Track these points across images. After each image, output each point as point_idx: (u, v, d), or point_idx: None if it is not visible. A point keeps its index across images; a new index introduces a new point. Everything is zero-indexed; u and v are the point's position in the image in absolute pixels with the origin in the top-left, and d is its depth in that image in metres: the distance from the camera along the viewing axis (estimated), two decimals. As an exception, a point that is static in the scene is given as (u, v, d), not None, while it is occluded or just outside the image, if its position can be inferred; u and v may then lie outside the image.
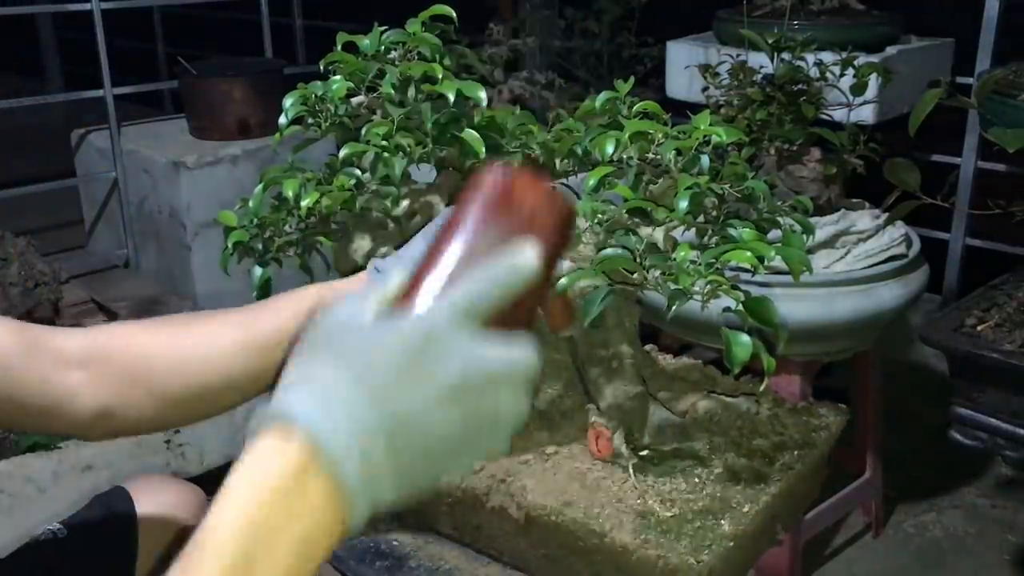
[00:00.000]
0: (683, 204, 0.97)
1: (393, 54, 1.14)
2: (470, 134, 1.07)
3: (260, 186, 1.13)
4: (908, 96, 2.11)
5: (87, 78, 3.11)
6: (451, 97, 1.07)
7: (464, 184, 0.69)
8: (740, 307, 0.92)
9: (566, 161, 1.12)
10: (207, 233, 2.61)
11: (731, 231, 0.98)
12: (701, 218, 1.03)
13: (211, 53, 4.04)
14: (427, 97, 1.10)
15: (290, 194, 1.09)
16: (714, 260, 0.93)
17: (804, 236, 1.03)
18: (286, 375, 0.54)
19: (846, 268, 1.70)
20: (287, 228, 1.14)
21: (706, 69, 1.82)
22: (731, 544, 0.99)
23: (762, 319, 0.92)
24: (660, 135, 1.03)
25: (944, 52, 2.45)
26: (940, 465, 2.33)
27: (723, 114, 1.68)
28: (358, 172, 1.08)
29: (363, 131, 1.09)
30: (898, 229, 1.79)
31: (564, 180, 1.19)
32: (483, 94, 1.09)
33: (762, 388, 1.02)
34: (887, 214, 1.73)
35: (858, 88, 1.73)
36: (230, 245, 1.13)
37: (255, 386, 0.85)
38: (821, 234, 1.68)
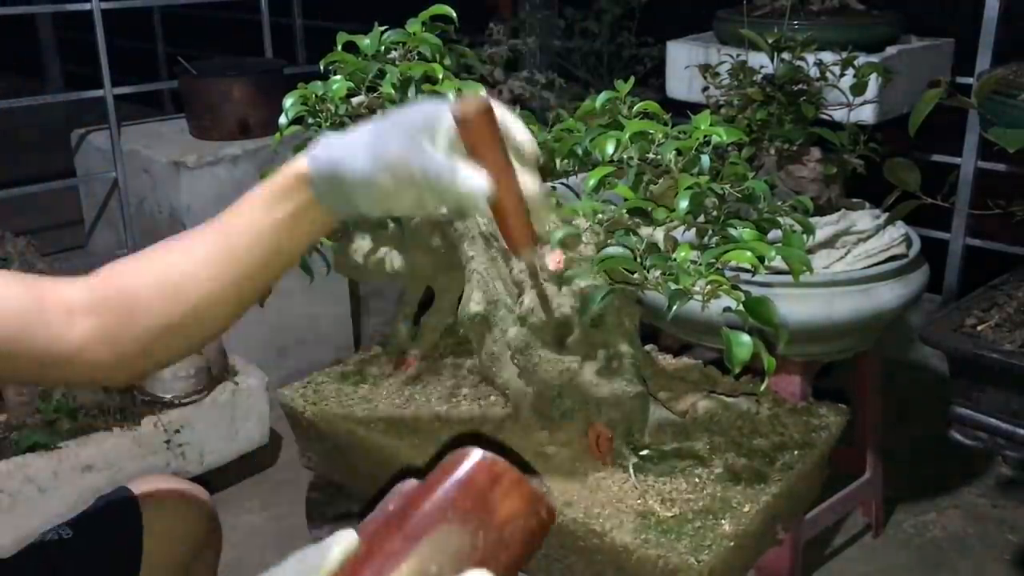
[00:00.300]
0: (683, 204, 0.97)
1: (393, 54, 1.14)
2: (470, 134, 1.07)
3: (260, 186, 1.13)
4: (908, 96, 2.11)
5: (87, 78, 3.11)
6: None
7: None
8: (740, 307, 0.92)
9: (566, 161, 1.12)
10: (207, 233, 2.60)
11: (731, 231, 0.98)
12: (701, 218, 1.03)
13: (211, 53, 4.04)
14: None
15: (290, 194, 1.09)
16: (714, 260, 0.93)
17: (804, 236, 1.03)
18: None
19: (846, 268, 1.70)
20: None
21: (706, 69, 1.82)
22: (731, 544, 0.99)
23: (762, 319, 0.92)
24: (660, 135, 1.03)
25: (944, 52, 2.45)
26: (940, 465, 2.33)
27: (723, 114, 1.68)
28: (358, 172, 1.08)
29: (363, 131, 1.09)
30: (898, 229, 1.79)
31: (564, 180, 1.19)
32: (483, 94, 1.09)
33: (762, 388, 1.02)
34: (887, 214, 1.73)
35: (858, 88, 1.73)
36: (230, 245, 1.12)
37: (241, 289, 0.85)
38: (821, 234, 1.68)
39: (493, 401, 1.23)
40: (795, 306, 1.62)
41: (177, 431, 2.08)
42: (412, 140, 0.77)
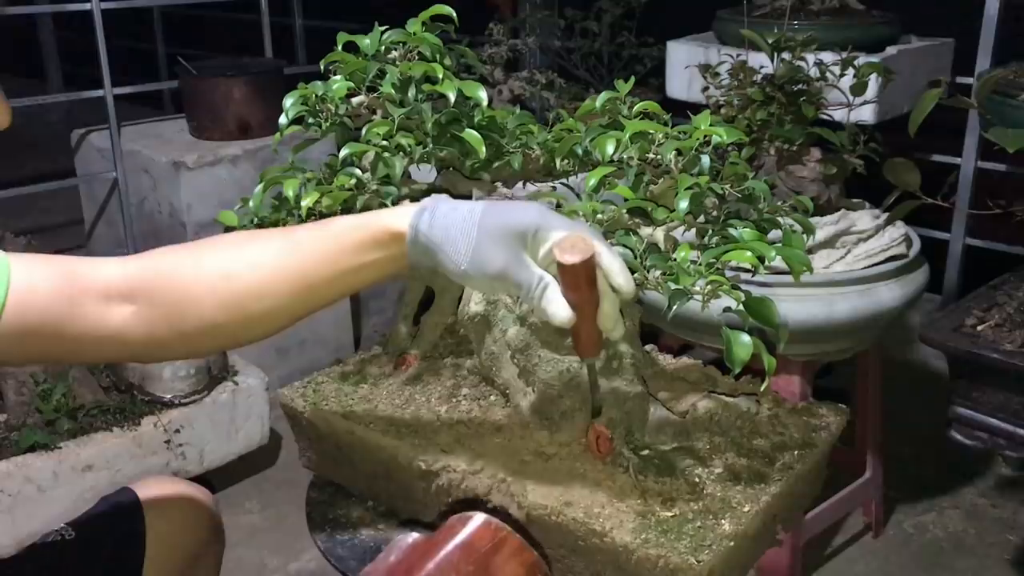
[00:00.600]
0: (683, 204, 0.97)
1: (393, 54, 1.14)
2: (470, 134, 1.07)
3: (260, 186, 1.13)
4: (908, 96, 2.11)
5: (87, 78, 3.11)
6: (451, 97, 1.07)
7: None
8: (740, 307, 0.92)
9: (566, 161, 1.12)
10: (207, 233, 2.60)
11: (731, 231, 0.98)
12: (701, 218, 1.03)
13: (211, 53, 4.04)
14: (427, 97, 1.10)
15: (290, 194, 1.09)
16: (714, 260, 0.93)
17: (804, 236, 1.03)
18: None
19: (846, 268, 1.70)
20: (287, 228, 1.14)
21: (706, 69, 1.82)
22: (731, 544, 0.98)
23: (763, 319, 0.92)
24: (660, 135, 1.03)
25: (944, 52, 2.45)
26: (940, 465, 2.33)
27: (723, 114, 1.68)
28: (358, 172, 1.08)
29: (363, 131, 1.09)
30: (898, 229, 1.79)
31: (564, 180, 1.19)
32: (483, 94, 1.09)
33: (763, 388, 1.02)
34: (887, 214, 1.73)
35: (858, 88, 1.73)
36: (230, 245, 1.12)
37: (302, 308, 0.86)
38: (821, 234, 1.68)
39: (493, 401, 1.23)
40: (795, 306, 1.62)
41: (177, 431, 2.08)
42: (513, 251, 0.81)
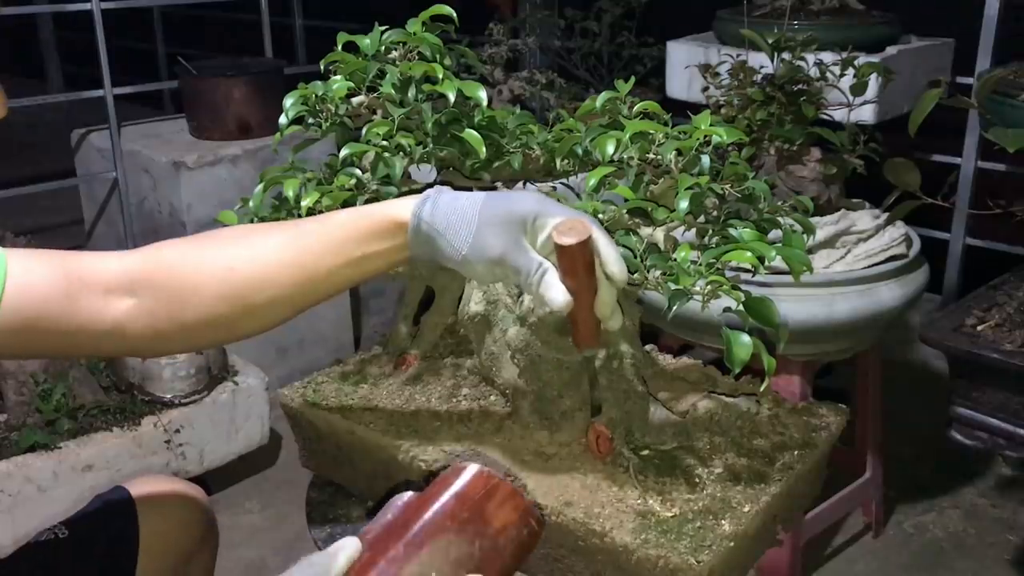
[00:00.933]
0: (683, 204, 0.97)
1: (393, 54, 1.14)
2: (470, 134, 1.07)
3: (260, 186, 1.13)
4: (908, 96, 2.11)
5: (87, 78, 3.11)
6: (451, 97, 1.07)
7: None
8: (740, 307, 0.92)
9: (566, 161, 1.12)
10: (207, 233, 2.60)
11: (731, 231, 0.98)
12: (701, 218, 1.03)
13: (211, 53, 4.04)
14: (427, 97, 1.10)
15: (290, 194, 1.09)
16: (714, 260, 0.93)
17: (804, 236, 1.03)
18: None
19: (846, 268, 1.70)
20: (287, 228, 1.13)
21: (706, 69, 1.82)
22: (731, 544, 0.98)
23: (763, 319, 0.92)
24: (660, 135, 1.03)
25: (944, 52, 2.45)
26: (940, 465, 2.33)
27: (723, 114, 1.68)
28: (358, 172, 1.08)
29: (363, 131, 1.09)
30: (898, 229, 1.79)
31: (564, 180, 1.19)
32: (483, 94, 1.09)
33: (763, 388, 1.02)
34: (887, 214, 1.73)
35: (858, 88, 1.73)
36: (230, 245, 1.12)
37: (305, 299, 0.86)
38: (821, 234, 1.68)
39: (493, 401, 1.23)
40: (795, 306, 1.62)
41: (177, 431, 2.08)
42: (513, 237, 0.82)
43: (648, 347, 1.34)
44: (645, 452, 1.12)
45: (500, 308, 1.16)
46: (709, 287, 0.92)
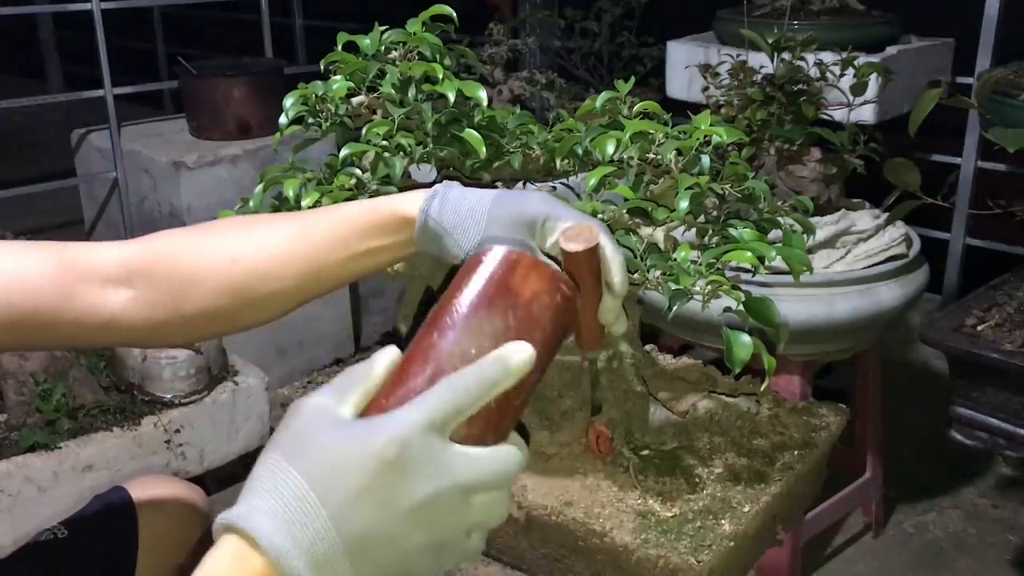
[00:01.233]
0: (683, 204, 0.97)
1: (393, 54, 1.14)
2: (470, 134, 1.07)
3: (260, 186, 1.13)
4: (908, 96, 2.11)
5: (87, 78, 3.11)
6: (451, 97, 1.07)
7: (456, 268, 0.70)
8: (740, 307, 0.92)
9: (566, 161, 1.12)
10: (207, 233, 2.60)
11: (731, 231, 0.98)
12: (702, 218, 1.03)
13: (211, 53, 4.04)
14: (427, 97, 1.10)
15: (290, 194, 1.09)
16: (715, 260, 0.93)
17: (804, 236, 1.03)
18: (255, 471, 0.59)
19: (846, 268, 1.70)
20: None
21: (706, 69, 1.82)
22: (731, 544, 0.99)
23: (763, 319, 0.92)
24: (660, 135, 1.03)
25: (944, 52, 2.45)
26: (940, 465, 2.33)
27: (723, 114, 1.68)
28: (358, 172, 1.08)
29: (363, 131, 1.09)
30: (898, 229, 1.79)
31: (564, 180, 1.19)
32: (483, 94, 1.09)
33: (763, 388, 1.02)
34: (887, 214, 1.73)
35: (858, 88, 1.73)
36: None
37: (308, 292, 0.85)
38: (821, 234, 1.68)
39: (493, 401, 1.24)
40: (795, 306, 1.62)
41: (177, 431, 2.08)
42: (521, 239, 0.78)
43: (648, 347, 1.34)
44: (645, 452, 1.12)
45: (500, 308, 1.16)
46: (709, 287, 0.92)
